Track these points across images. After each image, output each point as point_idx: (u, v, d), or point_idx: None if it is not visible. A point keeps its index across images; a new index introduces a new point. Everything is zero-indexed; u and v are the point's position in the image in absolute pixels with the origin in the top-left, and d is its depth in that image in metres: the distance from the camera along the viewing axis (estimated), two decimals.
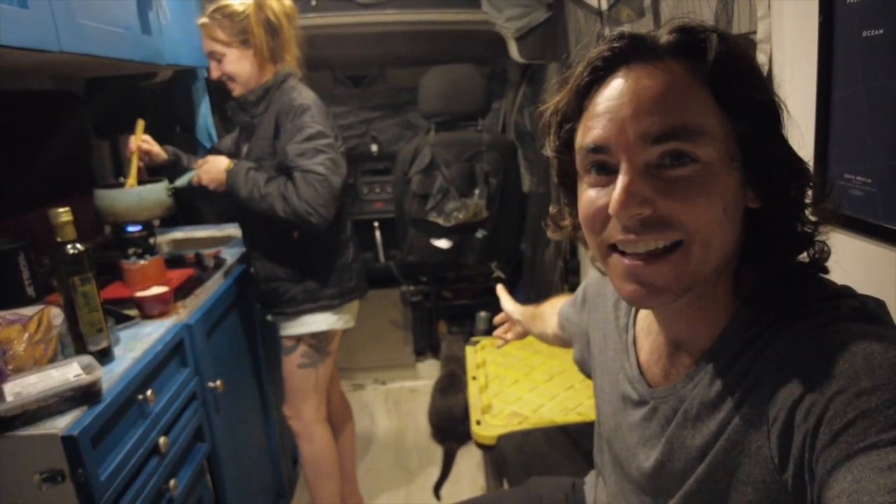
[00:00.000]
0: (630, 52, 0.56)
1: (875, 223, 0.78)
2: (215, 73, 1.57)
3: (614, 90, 0.55)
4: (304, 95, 1.54)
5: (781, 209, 0.56)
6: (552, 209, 0.73)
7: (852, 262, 0.58)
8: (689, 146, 0.52)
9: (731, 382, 0.56)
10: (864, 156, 0.80)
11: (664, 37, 0.56)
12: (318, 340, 1.69)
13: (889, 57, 0.74)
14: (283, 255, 1.63)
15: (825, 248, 0.58)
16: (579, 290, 0.95)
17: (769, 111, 0.55)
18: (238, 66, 1.55)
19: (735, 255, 0.58)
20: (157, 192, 1.56)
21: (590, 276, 0.90)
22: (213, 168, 1.57)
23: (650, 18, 1.47)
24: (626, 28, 1.61)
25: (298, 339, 1.68)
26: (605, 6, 1.74)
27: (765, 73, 0.57)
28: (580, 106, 0.59)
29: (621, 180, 0.53)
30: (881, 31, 0.74)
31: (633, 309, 0.74)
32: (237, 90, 1.59)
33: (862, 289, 0.58)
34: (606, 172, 0.56)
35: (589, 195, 0.58)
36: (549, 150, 0.65)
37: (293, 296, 1.64)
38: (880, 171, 0.77)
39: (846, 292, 0.56)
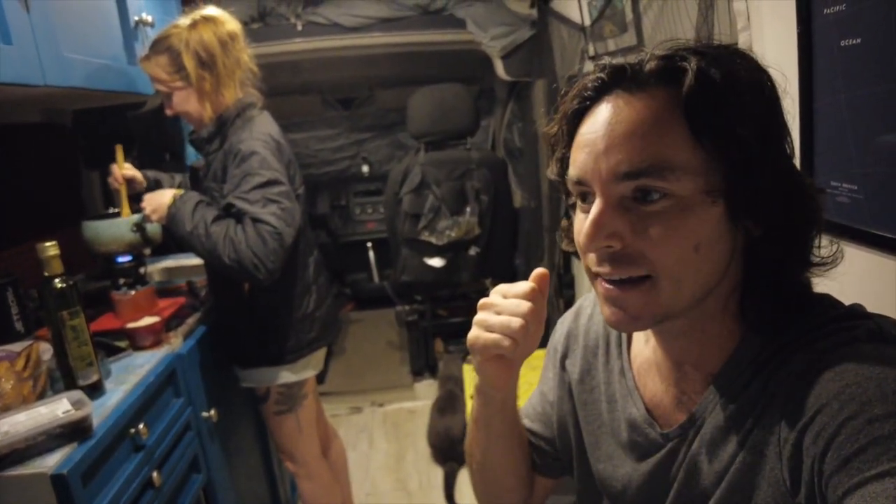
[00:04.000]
0: (614, 82, 0.55)
1: (863, 229, 0.78)
2: (168, 112, 1.46)
3: (595, 122, 0.55)
4: (256, 134, 1.40)
5: (779, 240, 0.54)
6: (563, 223, 0.72)
7: (841, 268, 0.58)
8: (659, 182, 0.51)
9: (745, 404, 0.55)
10: (849, 163, 0.80)
11: (649, 63, 0.54)
12: (288, 388, 1.58)
13: (867, 65, 0.75)
14: (235, 307, 1.52)
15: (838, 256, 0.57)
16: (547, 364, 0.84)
17: (758, 140, 0.51)
18: (186, 105, 1.42)
19: (737, 284, 0.57)
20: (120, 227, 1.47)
21: (554, 341, 0.83)
22: (155, 198, 1.41)
23: (632, 33, 1.49)
24: (609, 43, 1.64)
25: (267, 388, 1.58)
26: (587, 22, 1.77)
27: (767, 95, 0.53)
28: (572, 133, 0.59)
29: (591, 212, 0.54)
30: (859, 41, 0.75)
31: (625, 349, 0.72)
32: (194, 126, 1.49)
33: (850, 294, 0.57)
34: (591, 201, 0.57)
35: (580, 220, 0.59)
36: (550, 174, 0.65)
37: (246, 351, 1.55)
38: (865, 177, 0.78)
39: (860, 312, 0.55)
